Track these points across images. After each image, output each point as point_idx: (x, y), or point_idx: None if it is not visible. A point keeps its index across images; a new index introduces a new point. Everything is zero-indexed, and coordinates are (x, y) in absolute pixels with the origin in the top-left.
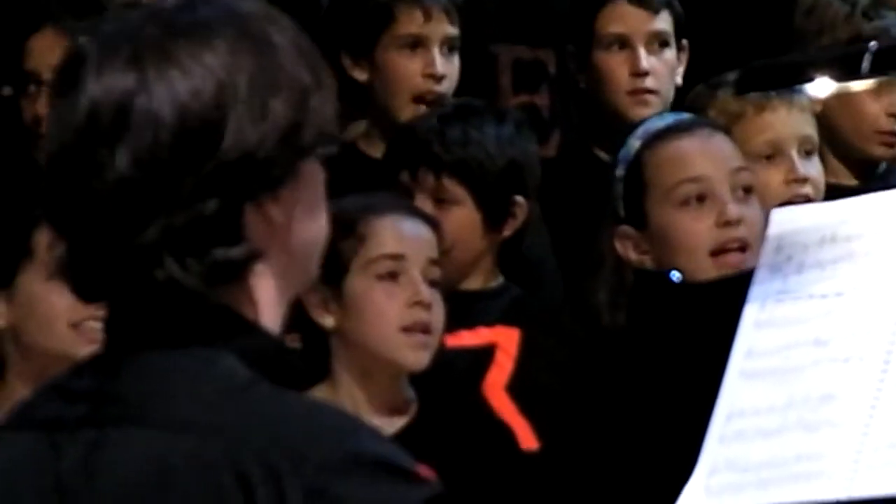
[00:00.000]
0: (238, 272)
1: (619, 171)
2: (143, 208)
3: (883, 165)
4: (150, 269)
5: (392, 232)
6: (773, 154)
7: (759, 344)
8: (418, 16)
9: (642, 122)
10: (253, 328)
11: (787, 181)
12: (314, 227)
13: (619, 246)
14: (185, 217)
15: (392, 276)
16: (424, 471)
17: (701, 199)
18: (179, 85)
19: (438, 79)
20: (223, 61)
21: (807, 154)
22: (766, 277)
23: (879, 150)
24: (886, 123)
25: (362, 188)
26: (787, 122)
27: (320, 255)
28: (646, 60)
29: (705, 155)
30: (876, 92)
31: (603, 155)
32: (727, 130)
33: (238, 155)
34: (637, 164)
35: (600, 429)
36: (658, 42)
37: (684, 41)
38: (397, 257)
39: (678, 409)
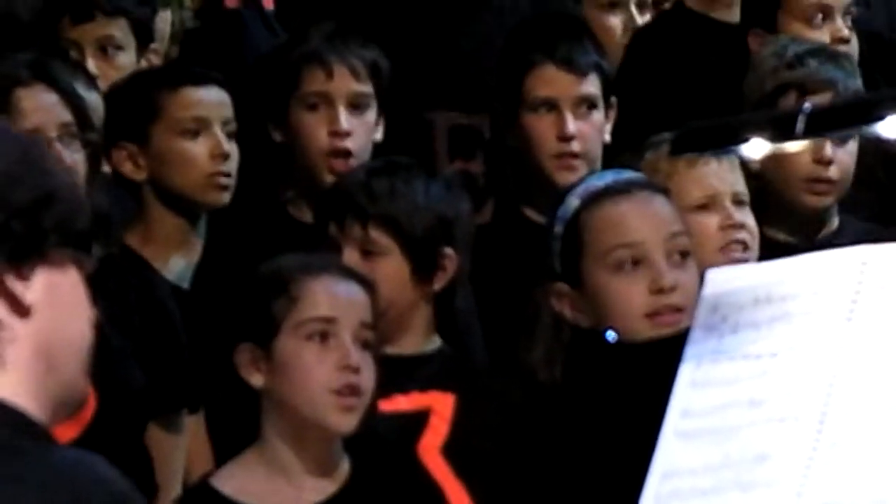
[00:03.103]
0: None
1: (558, 229)
2: None
3: (835, 224)
4: None
5: (325, 294)
6: (708, 204)
7: (694, 403)
8: (320, 74)
9: (583, 179)
10: None
11: (723, 227)
12: (72, 326)
13: (554, 303)
14: None
15: (323, 337)
16: None
17: (636, 263)
18: None
19: (343, 135)
20: None
21: (739, 204)
22: (701, 337)
23: (811, 200)
24: (814, 171)
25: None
26: (720, 174)
27: (83, 361)
28: (573, 125)
29: (642, 219)
30: None
31: (532, 214)
32: (665, 190)
33: None
34: (574, 224)
35: (536, 491)
36: (586, 105)
37: (613, 98)
38: (329, 320)
39: (613, 468)
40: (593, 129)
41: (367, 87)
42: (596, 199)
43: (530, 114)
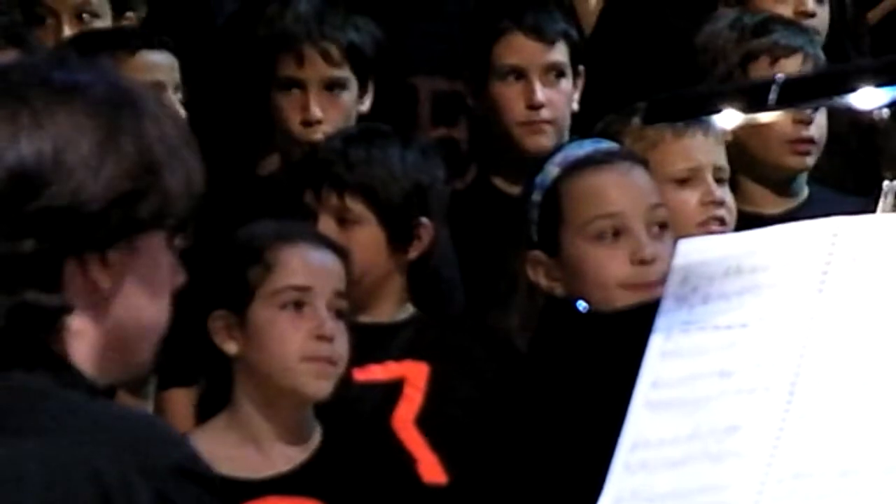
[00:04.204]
0: (47, 322)
1: (536, 197)
2: None
3: (805, 194)
4: None
5: (299, 262)
6: (690, 178)
7: (664, 374)
8: (291, 60)
9: (561, 147)
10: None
11: (704, 203)
12: (149, 309)
13: (530, 271)
14: (1, 250)
15: (297, 306)
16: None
17: (616, 234)
18: (25, 131)
19: (314, 123)
20: (75, 120)
21: (719, 182)
22: (671, 308)
23: (793, 161)
24: (794, 131)
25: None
26: (704, 148)
27: (154, 342)
28: (541, 92)
29: (622, 190)
30: None
31: (500, 183)
32: (644, 161)
33: (63, 204)
34: (553, 193)
35: (508, 460)
36: (554, 73)
37: (580, 67)
38: (303, 289)
39: (583, 438)
40: (561, 97)
41: (341, 71)
42: (576, 168)
43: (499, 82)
